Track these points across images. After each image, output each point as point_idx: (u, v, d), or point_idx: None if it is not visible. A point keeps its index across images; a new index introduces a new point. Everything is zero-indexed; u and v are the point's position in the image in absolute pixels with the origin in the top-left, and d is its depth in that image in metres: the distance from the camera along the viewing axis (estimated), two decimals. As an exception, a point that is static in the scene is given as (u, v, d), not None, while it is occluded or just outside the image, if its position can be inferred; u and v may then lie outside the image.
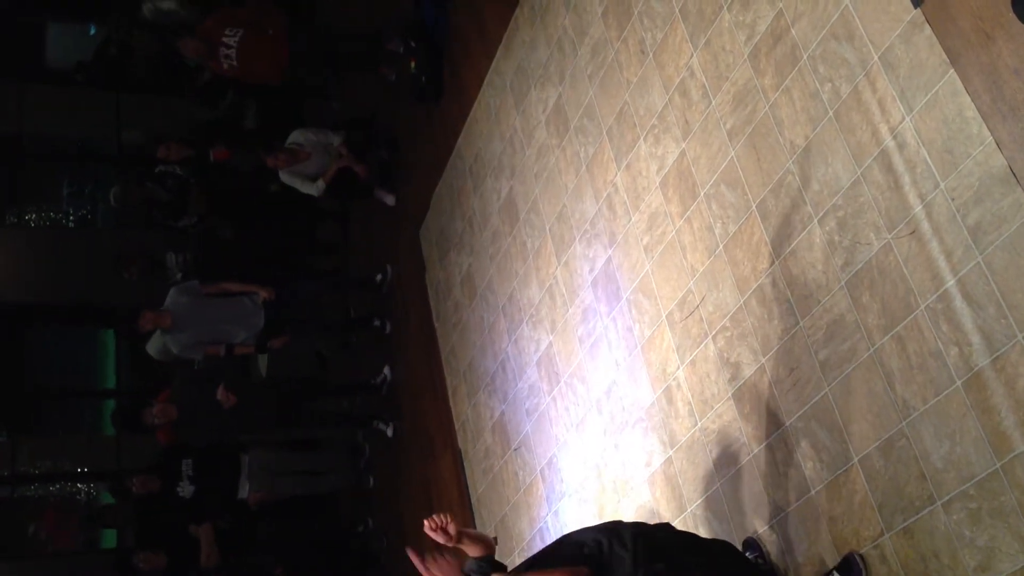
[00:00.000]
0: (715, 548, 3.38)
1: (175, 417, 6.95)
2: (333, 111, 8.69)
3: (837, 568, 3.25)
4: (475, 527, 6.03)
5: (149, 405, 6.97)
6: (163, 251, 7.49)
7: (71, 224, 11.81)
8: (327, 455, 8.20)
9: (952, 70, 2.92)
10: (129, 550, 7.02)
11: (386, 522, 7.78)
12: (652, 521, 4.34)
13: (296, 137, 7.44)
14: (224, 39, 7.26)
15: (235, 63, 7.30)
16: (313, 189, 7.46)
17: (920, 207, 3.01)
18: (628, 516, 4.53)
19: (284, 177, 7.44)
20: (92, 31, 11.17)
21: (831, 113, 3.36)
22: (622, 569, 2.85)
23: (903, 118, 3.08)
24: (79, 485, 11.28)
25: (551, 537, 5.19)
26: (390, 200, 7.86)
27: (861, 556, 3.20)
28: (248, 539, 7.31)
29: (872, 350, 3.19)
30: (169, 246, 7.54)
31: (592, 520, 4.84)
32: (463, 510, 6.26)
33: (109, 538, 10.53)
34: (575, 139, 5.05)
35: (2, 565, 9.29)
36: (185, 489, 6.83)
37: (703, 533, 4.02)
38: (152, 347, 7.08)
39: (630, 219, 4.55)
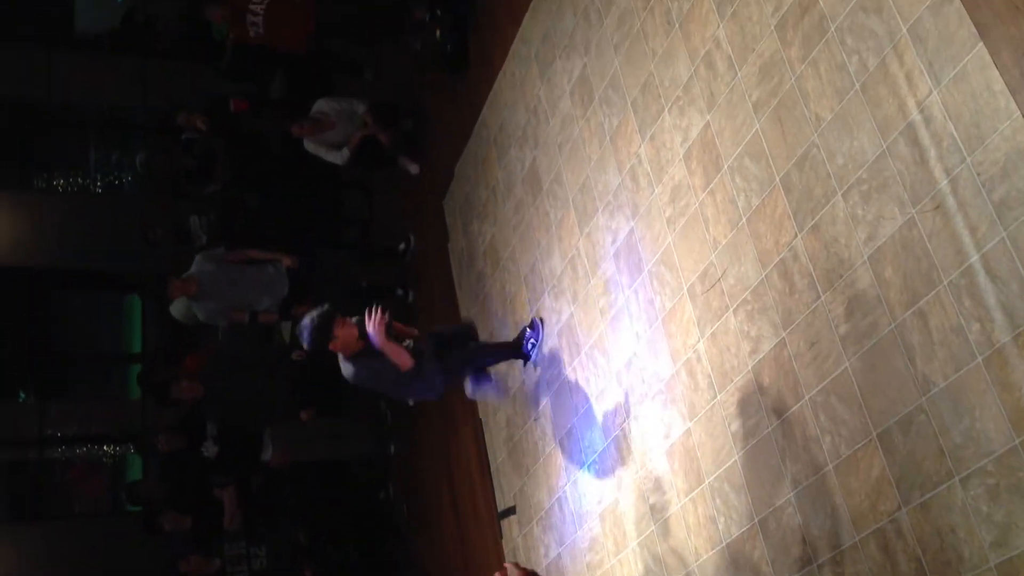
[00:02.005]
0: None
1: (201, 395, 7.03)
2: (366, 81, 8.63)
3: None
4: (494, 495, 6.11)
5: (176, 380, 7.04)
6: (187, 215, 7.54)
7: (98, 190, 11.86)
8: (349, 421, 8.27)
9: (981, 43, 2.89)
10: (156, 511, 7.10)
11: (405, 490, 7.85)
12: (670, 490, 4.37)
13: (321, 106, 7.44)
14: (251, 5, 7.26)
15: (261, 30, 7.31)
16: (338, 158, 7.47)
17: (945, 181, 2.99)
18: (648, 488, 4.56)
19: (309, 146, 7.45)
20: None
21: (858, 86, 3.33)
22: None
23: (930, 91, 3.05)
24: (105, 448, 11.41)
25: (569, 507, 5.23)
26: (414, 169, 7.86)
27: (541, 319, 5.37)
28: (271, 503, 7.39)
29: (893, 325, 3.18)
30: (193, 210, 7.59)
31: (612, 493, 4.87)
32: (483, 478, 6.31)
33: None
34: (599, 110, 5.03)
35: (33, 528, 9.42)
36: (209, 450, 6.90)
37: (720, 505, 4.05)
38: (176, 309, 7.14)
39: (653, 191, 4.54)
